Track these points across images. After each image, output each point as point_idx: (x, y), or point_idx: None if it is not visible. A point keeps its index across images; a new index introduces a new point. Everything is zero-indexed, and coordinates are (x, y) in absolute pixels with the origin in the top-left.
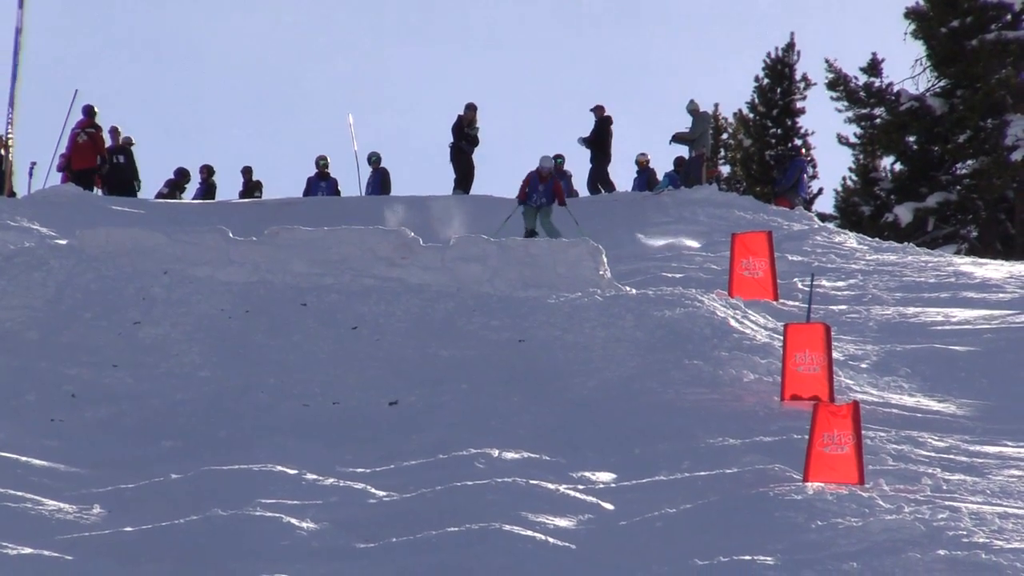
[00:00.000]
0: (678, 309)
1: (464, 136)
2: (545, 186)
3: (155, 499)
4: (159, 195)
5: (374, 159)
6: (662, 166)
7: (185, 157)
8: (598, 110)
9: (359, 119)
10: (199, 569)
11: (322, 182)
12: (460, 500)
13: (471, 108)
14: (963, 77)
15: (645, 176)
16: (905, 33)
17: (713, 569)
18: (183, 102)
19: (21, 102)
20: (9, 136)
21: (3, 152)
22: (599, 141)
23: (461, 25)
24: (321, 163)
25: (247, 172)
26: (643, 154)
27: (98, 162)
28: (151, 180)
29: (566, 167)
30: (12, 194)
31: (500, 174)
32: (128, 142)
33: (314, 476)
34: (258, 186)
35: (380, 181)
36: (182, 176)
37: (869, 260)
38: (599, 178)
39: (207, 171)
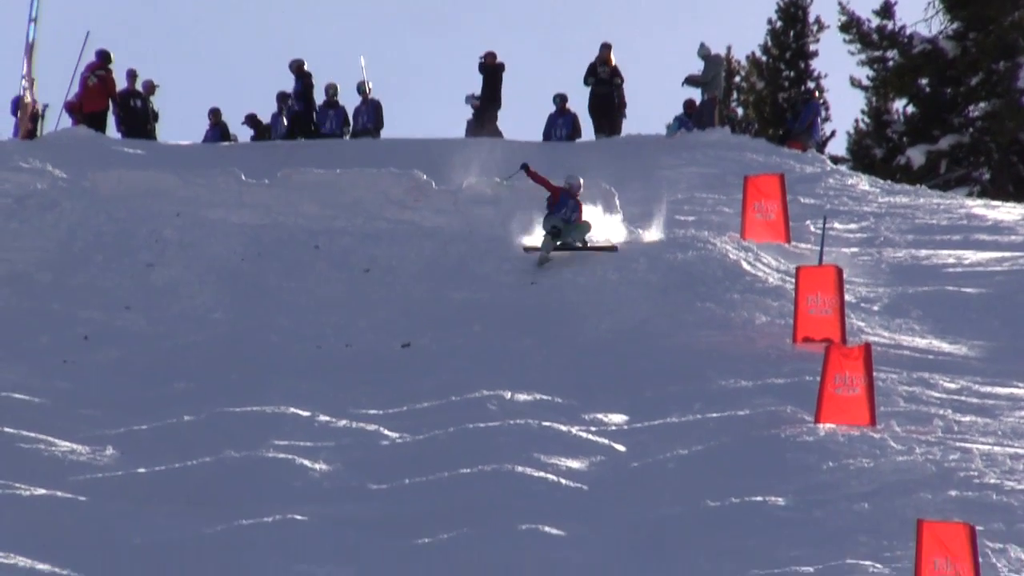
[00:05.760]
0: (691, 252)
1: (596, 76)
2: (575, 202)
3: (168, 441)
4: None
5: (363, 88)
6: (675, 109)
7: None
8: (489, 57)
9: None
10: (212, 510)
11: (331, 110)
12: (472, 442)
13: (606, 47)
14: (976, 19)
15: (569, 119)
16: None
17: (725, 510)
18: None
19: (39, 44)
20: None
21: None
22: (491, 90)
23: None
24: (330, 91)
25: (252, 119)
26: (561, 94)
27: (108, 105)
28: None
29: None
30: (31, 136)
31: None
32: (149, 86)
33: (327, 418)
34: (267, 130)
35: (374, 112)
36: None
37: (881, 203)
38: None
39: (215, 115)
